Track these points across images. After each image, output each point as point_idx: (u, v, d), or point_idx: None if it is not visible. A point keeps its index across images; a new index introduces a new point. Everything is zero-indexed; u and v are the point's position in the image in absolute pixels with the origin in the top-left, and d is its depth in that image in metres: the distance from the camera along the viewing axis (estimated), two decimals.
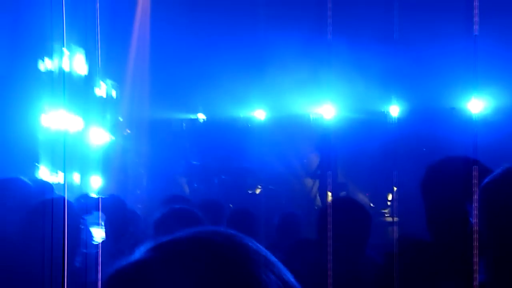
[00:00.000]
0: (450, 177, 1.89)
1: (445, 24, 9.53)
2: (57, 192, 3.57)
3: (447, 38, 9.44)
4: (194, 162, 11.85)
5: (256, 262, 0.72)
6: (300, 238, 4.02)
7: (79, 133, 10.09)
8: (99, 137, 10.57)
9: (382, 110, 11.56)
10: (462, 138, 9.02)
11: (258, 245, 0.77)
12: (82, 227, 3.00)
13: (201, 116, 13.24)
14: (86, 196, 2.96)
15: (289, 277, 0.76)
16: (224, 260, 0.71)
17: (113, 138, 11.35)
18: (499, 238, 1.42)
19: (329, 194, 10.40)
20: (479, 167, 1.80)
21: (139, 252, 0.73)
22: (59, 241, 2.42)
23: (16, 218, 2.48)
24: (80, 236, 2.66)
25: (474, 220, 1.47)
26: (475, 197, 1.46)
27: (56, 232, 2.43)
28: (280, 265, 0.76)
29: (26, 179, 2.93)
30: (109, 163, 11.02)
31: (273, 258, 0.76)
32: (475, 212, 1.47)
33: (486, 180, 1.46)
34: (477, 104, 10.00)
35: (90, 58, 10.32)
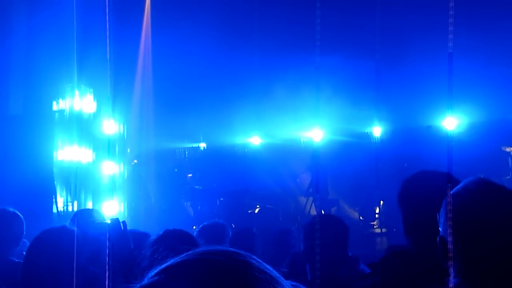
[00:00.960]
0: (423, 189, 1.85)
1: (422, 43, 9.56)
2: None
3: (424, 57, 9.47)
4: (197, 187, 11.79)
5: (260, 279, 0.69)
6: (296, 251, 3.95)
7: (90, 166, 10.05)
8: (109, 168, 10.52)
9: (366, 131, 11.58)
10: (438, 154, 9.03)
11: (261, 262, 0.73)
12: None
13: (202, 145, 13.23)
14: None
15: None
16: (230, 279, 0.67)
17: (122, 168, 11.31)
18: (461, 246, 1.38)
19: (322, 211, 10.32)
20: (450, 180, 1.76)
21: (148, 277, 0.70)
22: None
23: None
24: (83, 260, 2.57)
25: (441, 229, 1.44)
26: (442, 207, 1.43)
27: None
28: (282, 281, 0.73)
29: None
30: (119, 191, 10.96)
31: (275, 274, 0.73)
32: (441, 221, 1.43)
33: (450, 192, 1.42)
34: (451, 122, 10.00)
35: (98, 97, 10.34)
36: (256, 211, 11.61)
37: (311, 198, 11.20)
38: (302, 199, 11.37)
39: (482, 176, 1.51)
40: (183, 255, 0.72)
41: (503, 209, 1.37)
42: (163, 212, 10.29)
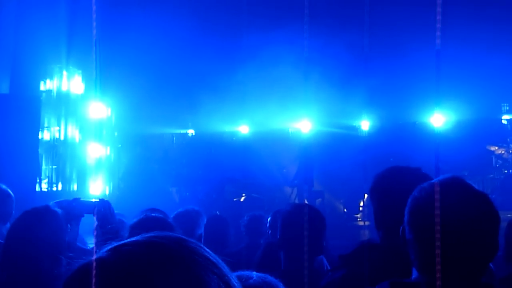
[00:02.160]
0: (394, 185, 1.87)
1: (411, 40, 9.58)
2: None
3: (412, 54, 9.49)
4: (184, 173, 11.79)
5: (199, 263, 0.74)
6: (269, 240, 3.97)
7: (77, 146, 10.00)
8: (96, 150, 10.48)
9: (354, 125, 11.62)
10: (425, 150, 9.11)
11: (208, 250, 0.79)
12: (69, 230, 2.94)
13: (190, 131, 13.20)
14: (77, 200, 2.90)
15: (233, 281, 0.78)
16: (170, 260, 0.73)
17: (109, 151, 11.27)
18: (420, 240, 1.41)
19: (305, 201, 10.38)
20: (422, 177, 1.78)
21: (99, 253, 0.76)
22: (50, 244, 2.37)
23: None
24: (65, 239, 2.57)
25: (404, 225, 1.46)
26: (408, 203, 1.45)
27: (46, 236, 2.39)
28: (226, 269, 0.78)
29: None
30: (104, 173, 10.92)
31: (219, 262, 0.78)
32: (406, 214, 1.46)
33: (416, 189, 1.45)
34: (439, 118, 10.07)
35: (88, 79, 10.27)
36: (242, 199, 11.65)
37: (296, 189, 11.25)
38: (288, 190, 11.42)
39: (463, 174, 1.54)
40: (134, 237, 0.77)
41: (463, 208, 1.38)
42: (147, 196, 10.28)
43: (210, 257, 0.77)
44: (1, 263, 2.31)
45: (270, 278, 1.38)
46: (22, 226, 2.38)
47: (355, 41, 9.60)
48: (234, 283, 0.77)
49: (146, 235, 0.78)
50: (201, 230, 3.58)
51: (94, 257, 0.75)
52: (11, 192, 3.22)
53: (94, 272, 0.72)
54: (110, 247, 0.76)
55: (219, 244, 3.79)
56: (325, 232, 2.63)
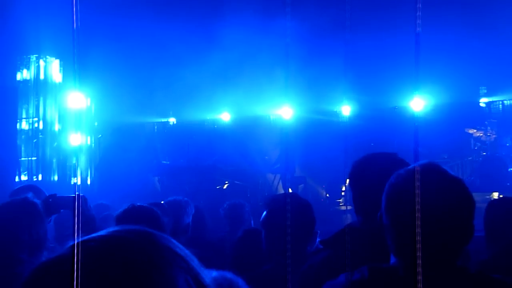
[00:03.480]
0: (371, 171, 1.90)
1: (391, 23, 9.59)
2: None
3: (392, 37, 9.52)
4: (165, 162, 11.75)
5: (165, 258, 0.73)
6: (247, 227, 3.98)
7: (56, 137, 9.88)
8: (76, 140, 10.37)
9: (335, 110, 11.67)
10: (405, 134, 9.20)
11: (177, 243, 0.77)
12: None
13: (171, 120, 13.13)
14: (53, 196, 2.87)
15: (202, 274, 0.76)
16: (132, 255, 0.71)
17: (89, 141, 11.16)
18: (395, 225, 1.43)
19: (290, 189, 10.44)
20: (399, 162, 1.81)
21: (62, 249, 0.74)
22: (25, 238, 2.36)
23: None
24: (45, 230, 2.56)
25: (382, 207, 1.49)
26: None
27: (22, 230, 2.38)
28: (195, 263, 0.76)
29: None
30: (84, 164, 10.83)
31: (188, 257, 0.76)
32: (383, 199, 1.48)
33: (393, 175, 1.47)
34: (418, 103, 10.16)
35: (65, 68, 10.12)
36: (225, 187, 11.66)
37: (278, 175, 11.29)
38: (270, 176, 11.46)
39: (443, 157, 1.56)
40: (98, 232, 0.76)
41: (438, 193, 1.41)
42: (129, 186, 10.22)
43: (178, 250, 0.76)
44: None
45: (230, 275, 1.38)
46: (1, 218, 2.36)
47: (335, 24, 9.60)
48: (203, 276, 0.76)
49: (110, 229, 0.77)
50: (189, 219, 3.59)
51: (54, 254, 0.74)
52: None
53: (53, 268, 0.71)
54: (72, 243, 0.74)
55: (198, 234, 3.78)
56: (313, 217, 2.64)
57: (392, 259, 1.48)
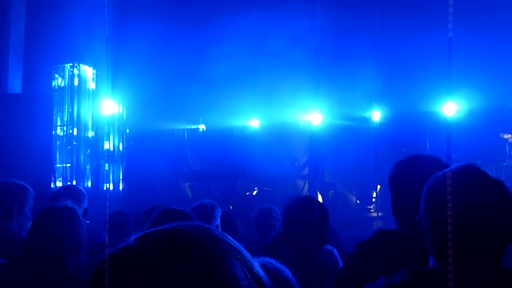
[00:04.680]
0: (413, 172, 1.88)
1: (421, 27, 9.50)
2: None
3: (423, 41, 9.42)
4: (195, 168, 11.84)
5: (222, 248, 0.77)
6: (277, 233, 3.99)
7: (90, 143, 10.07)
8: (109, 146, 10.56)
9: (365, 116, 11.58)
10: (437, 140, 9.05)
11: (231, 238, 0.81)
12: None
13: (201, 126, 13.24)
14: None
15: (256, 266, 0.80)
16: (194, 245, 0.76)
17: (121, 147, 11.35)
18: (435, 228, 1.42)
19: (319, 194, 10.39)
20: (442, 166, 1.79)
21: (127, 241, 0.79)
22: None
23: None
24: (84, 234, 2.71)
25: (421, 209, 1.48)
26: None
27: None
28: (248, 255, 0.80)
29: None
30: (117, 170, 11.01)
31: (241, 249, 0.80)
32: (422, 202, 1.47)
33: (431, 178, 1.47)
34: (450, 107, 10.00)
35: (99, 76, 10.33)
36: (254, 193, 11.68)
37: (307, 181, 11.24)
38: (300, 182, 11.42)
39: (477, 163, 1.55)
40: (160, 226, 0.81)
41: (477, 195, 1.40)
42: (161, 191, 10.33)
43: (233, 243, 0.80)
44: (26, 256, 2.47)
45: (274, 262, 1.42)
46: (45, 221, 2.55)
47: (365, 30, 9.55)
48: (257, 268, 0.79)
49: (170, 224, 0.81)
50: (217, 222, 3.62)
51: (122, 245, 0.78)
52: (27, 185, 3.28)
53: (121, 258, 0.75)
54: (137, 235, 0.79)
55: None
56: (328, 223, 2.65)
57: (431, 263, 1.47)
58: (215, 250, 0.76)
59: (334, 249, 3.03)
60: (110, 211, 3.92)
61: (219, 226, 3.62)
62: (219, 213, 3.69)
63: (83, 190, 3.80)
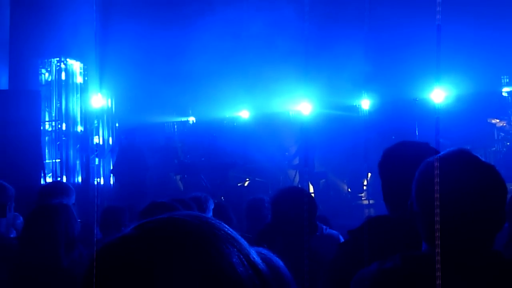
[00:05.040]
0: (402, 158, 1.90)
1: (410, 14, 9.51)
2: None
3: (411, 28, 9.44)
4: (186, 161, 11.83)
5: (219, 236, 0.78)
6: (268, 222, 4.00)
7: (79, 138, 10.01)
8: (98, 140, 10.50)
9: (354, 104, 11.62)
10: (426, 126, 9.11)
11: (227, 227, 0.82)
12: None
13: (191, 119, 13.21)
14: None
15: (253, 254, 0.81)
16: (191, 234, 0.77)
17: (111, 142, 11.29)
18: (427, 213, 1.43)
19: (310, 184, 10.43)
20: (431, 151, 1.80)
21: (124, 231, 0.80)
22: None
23: None
24: (78, 230, 2.74)
25: (413, 195, 1.49)
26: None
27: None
28: (245, 243, 0.81)
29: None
30: (108, 166, 10.96)
31: (238, 237, 0.81)
32: (413, 187, 1.48)
33: (423, 163, 1.47)
34: (439, 94, 10.06)
35: (86, 69, 10.25)
36: (246, 184, 11.70)
37: (298, 171, 11.27)
38: (291, 172, 11.46)
39: (467, 148, 1.56)
40: (157, 216, 0.81)
41: (468, 179, 1.41)
42: (153, 185, 10.31)
43: (229, 231, 0.80)
44: (20, 253, 2.52)
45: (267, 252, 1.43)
46: (39, 218, 2.59)
47: (353, 17, 9.55)
48: (254, 255, 0.80)
49: (167, 214, 0.81)
50: (209, 214, 3.63)
51: (120, 234, 0.79)
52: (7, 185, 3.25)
53: (119, 248, 0.76)
54: (135, 225, 0.80)
55: None
56: (316, 210, 2.68)
57: (424, 247, 1.48)
58: (211, 238, 0.76)
59: (339, 234, 3.05)
60: (105, 206, 3.93)
61: (212, 211, 3.64)
62: (211, 205, 3.70)
63: (70, 186, 3.78)
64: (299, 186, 10.72)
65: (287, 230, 2.56)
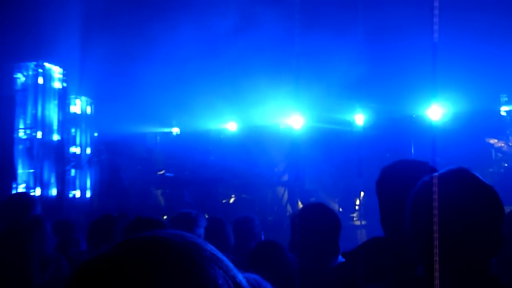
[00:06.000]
0: (400, 177, 1.93)
1: (406, 29, 9.65)
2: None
3: (408, 44, 9.58)
4: (168, 174, 11.79)
5: (204, 257, 0.78)
6: (260, 241, 4.00)
7: (55, 148, 9.94)
8: (75, 150, 10.45)
9: (348, 119, 11.69)
10: (422, 144, 9.21)
11: (211, 246, 0.83)
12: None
13: (174, 130, 13.20)
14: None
15: (240, 277, 0.82)
16: (174, 253, 0.77)
17: (89, 151, 11.24)
18: (422, 234, 1.44)
19: (299, 202, 10.44)
20: (430, 170, 1.84)
21: (106, 248, 0.80)
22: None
23: None
24: (53, 248, 2.74)
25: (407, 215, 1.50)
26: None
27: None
28: (230, 265, 0.82)
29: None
30: (85, 178, 10.90)
31: (224, 258, 0.82)
32: (407, 211, 1.50)
33: (418, 182, 1.49)
34: (436, 111, 10.19)
35: (67, 76, 10.22)
36: (231, 201, 11.69)
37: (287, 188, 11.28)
38: (280, 189, 11.47)
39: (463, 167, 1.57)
40: (141, 234, 0.82)
41: (466, 201, 1.42)
42: (132, 199, 10.26)
43: (215, 252, 0.81)
44: None
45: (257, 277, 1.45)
46: (12, 236, 2.58)
47: (349, 30, 9.68)
48: (241, 279, 0.81)
49: (149, 232, 0.82)
50: (200, 232, 3.65)
51: (100, 252, 0.79)
52: None
53: (97, 267, 0.76)
54: (116, 243, 0.80)
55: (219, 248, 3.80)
56: (340, 231, 2.69)
57: (419, 270, 1.50)
58: (196, 259, 0.77)
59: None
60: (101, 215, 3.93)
61: (202, 237, 3.64)
62: (203, 223, 3.71)
63: (33, 197, 3.77)
64: (289, 203, 10.75)
65: (308, 250, 2.53)
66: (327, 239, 2.55)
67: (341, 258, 3.00)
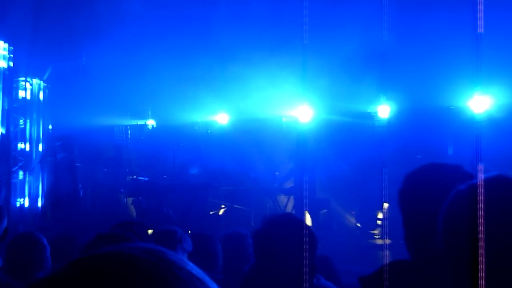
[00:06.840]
0: (429, 186, 1.95)
1: (446, 20, 9.72)
2: None
3: (447, 35, 9.64)
4: (142, 178, 11.82)
5: (180, 277, 0.81)
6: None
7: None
8: (23, 146, 10.47)
9: (369, 111, 11.72)
10: (461, 143, 9.23)
11: (187, 261, 0.85)
12: None
13: (150, 122, 13.23)
14: None
15: None
16: (142, 273, 0.79)
17: (41, 148, 11.27)
18: (455, 258, 1.47)
19: (307, 214, 10.48)
20: (465, 176, 1.86)
21: (57, 268, 0.82)
22: None
23: None
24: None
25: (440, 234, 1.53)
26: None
27: None
28: (208, 282, 0.84)
29: None
30: (37, 182, 10.92)
31: (205, 278, 0.84)
32: (438, 226, 1.52)
33: (452, 192, 1.52)
34: (480, 101, 10.22)
35: (14, 53, 10.25)
36: (221, 212, 11.74)
37: (292, 197, 11.32)
38: (283, 198, 11.51)
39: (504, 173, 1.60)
40: (98, 250, 0.84)
41: (507, 212, 1.45)
42: (95, 209, 10.30)
43: (195, 272, 0.84)
44: None
45: None
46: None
47: (369, 5, 9.71)
48: None
49: (112, 247, 0.84)
50: (186, 251, 3.72)
51: (51, 272, 0.81)
52: None
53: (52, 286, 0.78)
54: (72, 261, 0.82)
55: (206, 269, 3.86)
56: (316, 248, 2.74)
57: None
58: (169, 280, 0.79)
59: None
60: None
61: (187, 255, 3.70)
62: (189, 247, 3.76)
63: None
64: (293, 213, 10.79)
65: (274, 272, 2.60)
66: (298, 259, 2.59)
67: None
